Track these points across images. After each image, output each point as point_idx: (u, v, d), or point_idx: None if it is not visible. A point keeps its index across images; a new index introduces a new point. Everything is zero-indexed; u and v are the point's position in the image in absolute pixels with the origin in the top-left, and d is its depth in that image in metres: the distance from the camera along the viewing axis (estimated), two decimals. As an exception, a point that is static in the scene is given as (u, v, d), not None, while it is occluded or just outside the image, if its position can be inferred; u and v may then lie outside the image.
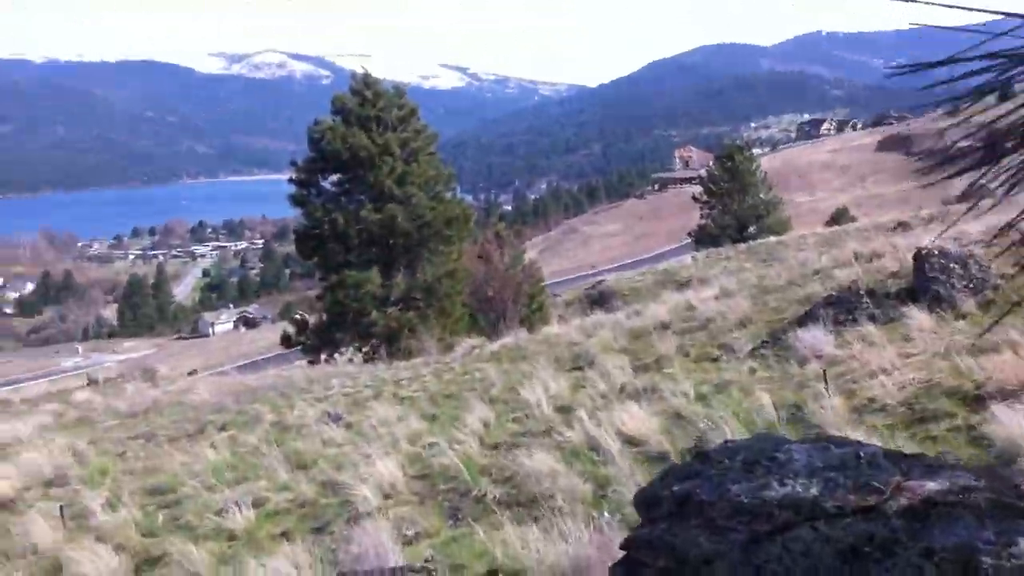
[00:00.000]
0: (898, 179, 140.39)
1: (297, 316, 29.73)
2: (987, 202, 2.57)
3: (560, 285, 59.69)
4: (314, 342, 25.13)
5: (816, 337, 9.30)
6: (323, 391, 14.30)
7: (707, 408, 7.75)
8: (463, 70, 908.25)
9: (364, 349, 24.55)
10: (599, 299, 38.32)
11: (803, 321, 10.26)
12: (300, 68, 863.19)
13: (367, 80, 26.24)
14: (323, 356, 24.78)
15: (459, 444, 8.36)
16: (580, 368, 11.69)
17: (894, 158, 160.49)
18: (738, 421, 7.07)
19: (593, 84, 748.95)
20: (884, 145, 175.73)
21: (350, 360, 23.18)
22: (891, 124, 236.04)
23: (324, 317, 25.19)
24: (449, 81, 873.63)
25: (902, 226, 41.95)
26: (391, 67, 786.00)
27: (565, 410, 9.15)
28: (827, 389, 7.42)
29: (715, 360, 10.08)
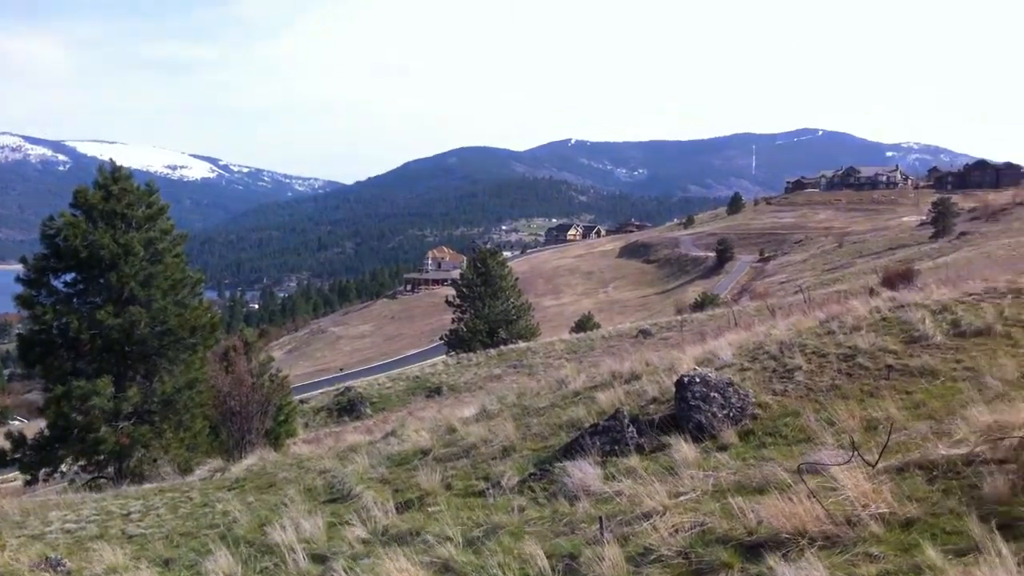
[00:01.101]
0: (638, 285, 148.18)
1: (14, 424, 26.87)
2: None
3: (307, 389, 58.08)
4: (32, 459, 22.62)
5: (584, 471, 8.98)
6: (40, 526, 12.64)
7: (478, 557, 7.20)
8: (214, 161, 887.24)
9: (90, 468, 22.39)
10: (348, 407, 37.41)
11: (570, 451, 9.98)
12: (36, 152, 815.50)
13: (115, 174, 24.37)
14: (42, 474, 22.39)
15: (198, 607, 7.36)
16: (336, 500, 10.90)
17: (634, 264, 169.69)
18: (511, 574, 6.57)
19: (349, 181, 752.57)
20: (625, 252, 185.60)
21: (71, 481, 21.05)
22: (632, 231, 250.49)
23: (46, 431, 22.78)
24: (199, 172, 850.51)
25: (643, 333, 43.90)
26: (137, 155, 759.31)
27: (320, 559, 8.33)
28: (603, 535, 7.05)
29: (481, 495, 9.57)
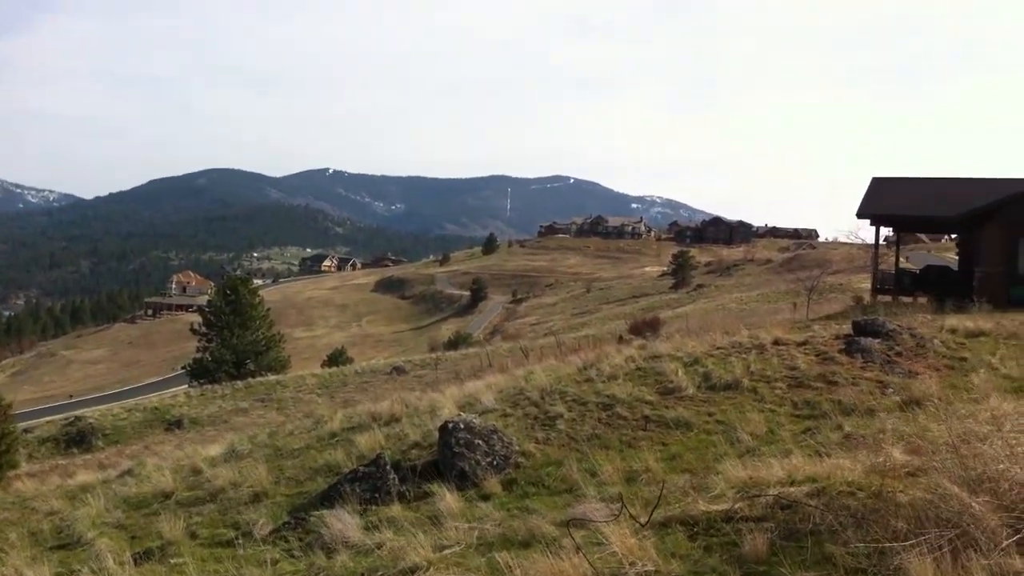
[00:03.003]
0: (392, 320, 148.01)
1: None
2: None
3: (32, 416, 53.86)
4: None
5: (343, 520, 8.56)
6: None
7: (225, 618, 6.65)
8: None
9: None
10: (78, 438, 34.79)
11: (328, 498, 9.54)
12: None
13: None
14: None
15: None
16: (65, 547, 9.92)
17: (389, 299, 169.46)
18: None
19: (89, 196, 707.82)
20: (380, 286, 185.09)
21: None
22: (388, 266, 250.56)
23: None
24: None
25: (397, 371, 43.65)
26: None
27: (43, 618, 7.47)
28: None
29: (230, 544, 8.93)
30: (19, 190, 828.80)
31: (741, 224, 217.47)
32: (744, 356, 13.48)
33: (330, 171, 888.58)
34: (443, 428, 10.35)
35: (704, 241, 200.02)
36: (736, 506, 6.93)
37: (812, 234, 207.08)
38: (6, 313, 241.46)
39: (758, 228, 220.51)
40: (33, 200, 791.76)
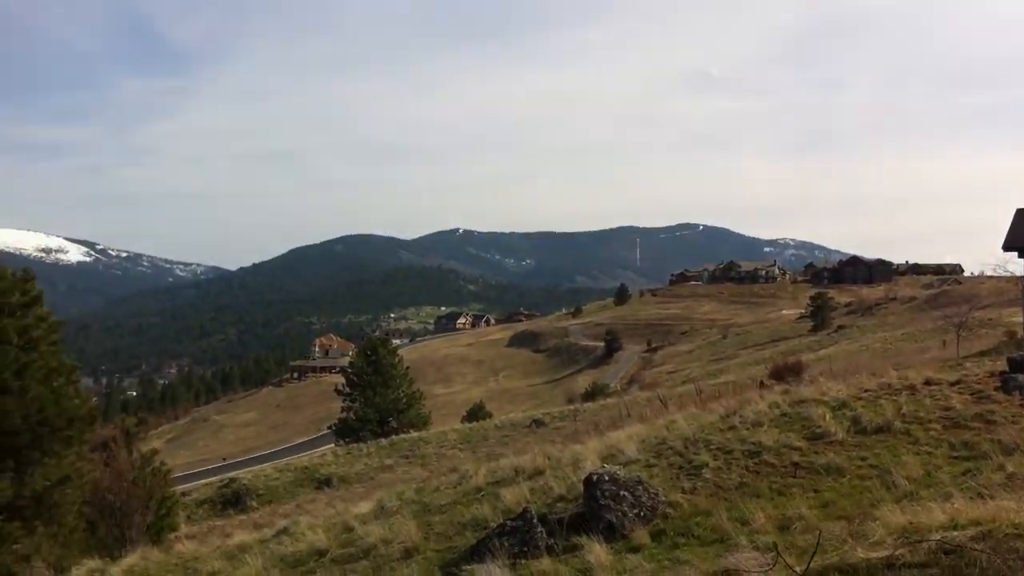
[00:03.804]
0: (528, 374, 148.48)
1: None
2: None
3: (189, 479, 56.05)
4: None
5: (494, 575, 8.66)
6: None
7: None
8: (92, 245, 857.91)
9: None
10: (233, 499, 35.96)
11: (477, 553, 9.63)
12: None
13: (-12, 260, 23.24)
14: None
15: None
16: (228, 607, 10.27)
17: (524, 353, 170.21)
18: None
19: (233, 267, 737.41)
20: (515, 340, 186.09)
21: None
22: (521, 320, 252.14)
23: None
24: (75, 255, 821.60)
25: (537, 423, 43.77)
26: (9, 238, 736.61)
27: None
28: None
29: (385, 602, 9.11)
30: (168, 265, 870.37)
31: (880, 262, 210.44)
32: (894, 398, 13.05)
33: (460, 231, 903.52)
34: (588, 480, 10.33)
35: (842, 281, 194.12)
36: (897, 552, 6.71)
37: (956, 269, 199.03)
38: (161, 382, 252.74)
39: (898, 266, 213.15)
40: (182, 274, 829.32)
